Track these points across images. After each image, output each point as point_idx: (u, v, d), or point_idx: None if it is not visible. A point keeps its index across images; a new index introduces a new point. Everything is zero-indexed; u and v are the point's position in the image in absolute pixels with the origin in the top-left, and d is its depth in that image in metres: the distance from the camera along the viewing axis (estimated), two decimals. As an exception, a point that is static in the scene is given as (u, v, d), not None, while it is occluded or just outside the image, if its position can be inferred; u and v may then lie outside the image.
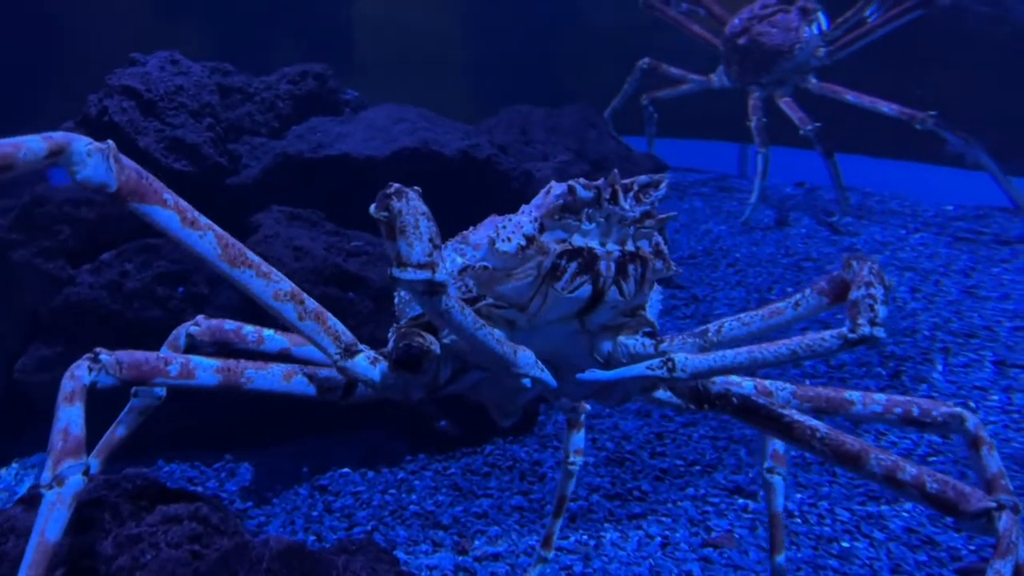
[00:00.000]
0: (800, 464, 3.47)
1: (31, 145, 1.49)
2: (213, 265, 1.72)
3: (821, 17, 6.63)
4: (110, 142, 1.58)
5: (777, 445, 2.38)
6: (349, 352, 1.90)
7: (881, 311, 1.66)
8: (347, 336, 1.90)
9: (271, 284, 1.77)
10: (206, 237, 1.69)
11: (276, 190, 4.29)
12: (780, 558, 2.45)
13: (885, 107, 6.18)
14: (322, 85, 5.03)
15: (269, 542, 2.18)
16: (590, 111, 7.38)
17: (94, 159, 1.55)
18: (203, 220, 1.69)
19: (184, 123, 4.27)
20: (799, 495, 3.28)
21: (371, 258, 3.96)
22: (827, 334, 1.69)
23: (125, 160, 1.59)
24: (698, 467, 3.57)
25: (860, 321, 1.66)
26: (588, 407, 2.88)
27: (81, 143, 1.54)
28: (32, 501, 2.27)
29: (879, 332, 1.64)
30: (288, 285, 1.79)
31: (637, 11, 7.37)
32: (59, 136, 1.53)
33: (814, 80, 6.64)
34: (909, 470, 1.86)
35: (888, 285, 1.70)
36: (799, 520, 3.14)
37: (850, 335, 1.66)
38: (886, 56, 6.92)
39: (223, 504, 2.54)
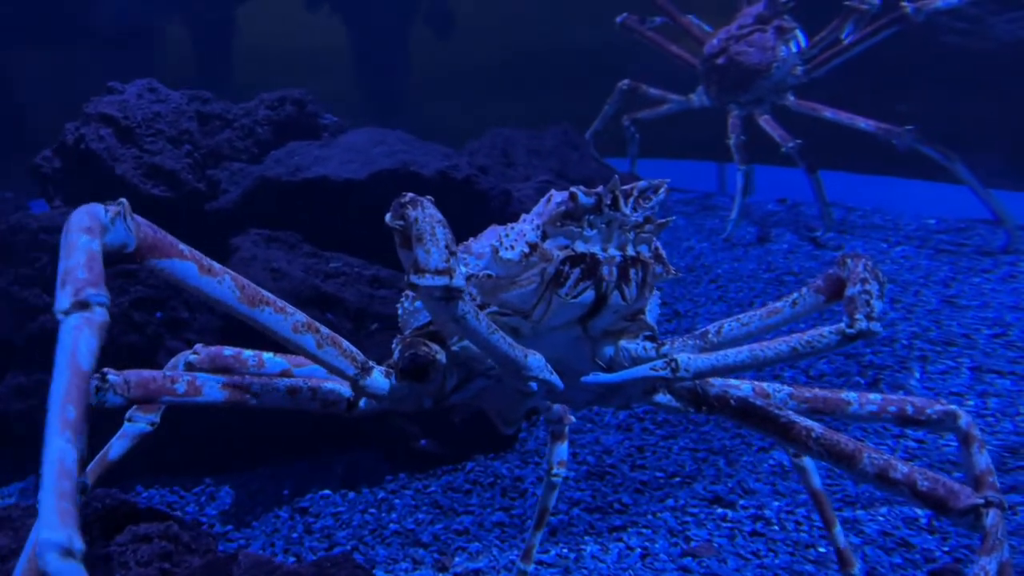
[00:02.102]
0: (778, 472, 3.48)
1: (86, 244, 1.42)
2: (233, 308, 1.71)
3: (799, 35, 6.69)
4: (123, 201, 1.54)
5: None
6: (366, 370, 1.93)
7: (877, 306, 1.71)
8: (359, 355, 1.93)
9: (289, 317, 1.79)
10: (224, 282, 1.69)
11: (255, 214, 4.30)
12: (837, 530, 2.49)
13: (863, 123, 6.22)
14: (301, 110, 5.07)
15: (238, 558, 2.18)
16: (572, 133, 7.44)
17: (117, 224, 1.52)
18: (217, 266, 1.69)
19: (162, 149, 4.30)
20: (776, 503, 3.28)
21: (349, 279, 3.97)
22: (825, 330, 1.73)
23: (139, 218, 1.58)
24: (678, 479, 3.56)
25: (857, 316, 1.70)
26: (573, 419, 2.89)
27: (101, 211, 1.50)
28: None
29: (875, 326, 1.69)
30: (302, 316, 1.80)
31: (617, 33, 7.44)
32: (84, 218, 1.47)
33: (792, 98, 6.70)
34: (900, 468, 1.88)
35: (883, 281, 1.74)
36: (776, 527, 3.14)
37: (848, 330, 1.70)
38: (868, 73, 7.00)
39: (194, 523, 2.54)
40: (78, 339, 1.33)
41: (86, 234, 1.44)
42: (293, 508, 3.65)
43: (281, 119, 5.01)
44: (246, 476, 3.90)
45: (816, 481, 2.51)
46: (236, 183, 4.52)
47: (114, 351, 3.75)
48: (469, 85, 9.15)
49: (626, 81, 7.38)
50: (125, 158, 4.21)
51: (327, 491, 3.74)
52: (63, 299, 1.36)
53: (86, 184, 4.32)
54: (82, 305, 1.35)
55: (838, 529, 2.50)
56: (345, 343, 1.90)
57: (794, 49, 6.63)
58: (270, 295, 1.78)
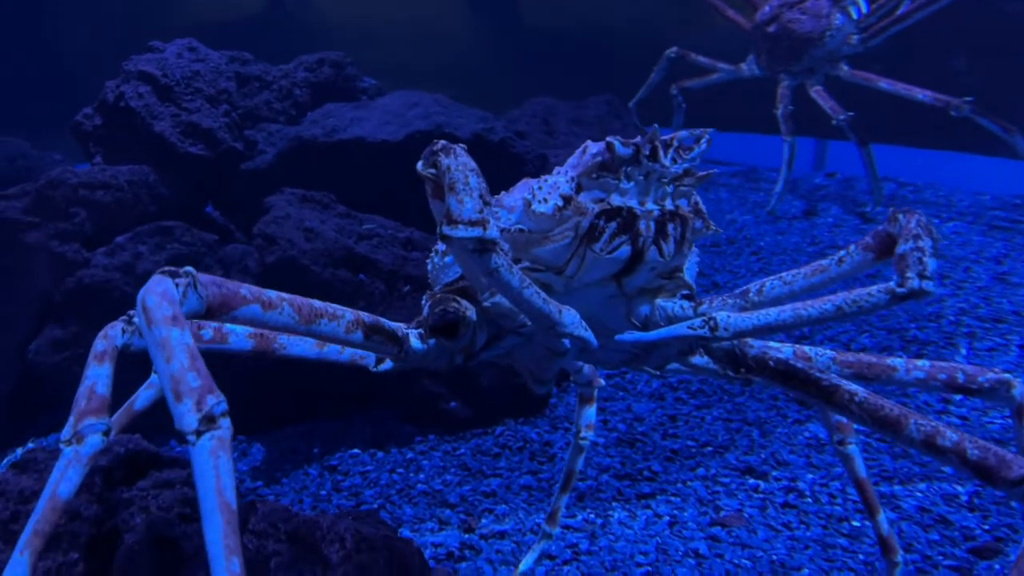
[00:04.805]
0: (813, 445, 3.39)
1: (180, 339, 1.37)
2: (294, 330, 1.70)
3: (860, 1, 6.45)
4: (190, 269, 1.50)
5: (837, 416, 2.32)
6: (405, 340, 1.89)
7: (930, 264, 1.60)
8: (399, 329, 1.90)
9: (341, 321, 1.75)
10: (284, 311, 1.66)
11: (290, 174, 4.30)
12: (880, 517, 2.39)
13: (920, 94, 5.97)
14: (339, 72, 5.05)
15: (256, 505, 2.17)
16: (616, 103, 7.35)
17: (189, 295, 1.48)
18: (275, 296, 1.65)
19: (200, 108, 4.31)
20: (810, 475, 3.19)
21: (383, 241, 3.95)
22: (874, 288, 1.63)
23: (202, 277, 1.53)
24: (710, 448, 3.50)
25: (909, 275, 1.59)
26: (603, 382, 2.84)
27: (173, 288, 1.44)
28: (23, 466, 2.28)
29: (928, 285, 1.58)
30: (351, 314, 1.77)
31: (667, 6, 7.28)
32: (164, 305, 1.40)
33: (846, 68, 6.47)
34: (950, 436, 1.74)
35: (937, 237, 1.64)
36: (810, 499, 3.05)
37: (898, 289, 1.59)
38: (932, 45, 6.77)
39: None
40: (220, 469, 1.28)
41: (175, 326, 1.38)
42: (322, 466, 3.66)
43: (319, 81, 4.99)
44: (278, 434, 3.92)
45: (861, 469, 2.39)
46: (273, 144, 4.52)
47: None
48: (513, 55, 9.06)
49: (674, 49, 7.18)
50: (163, 116, 4.22)
51: (356, 450, 3.74)
52: (188, 417, 1.30)
53: (125, 142, 4.35)
54: (209, 421, 1.30)
55: (882, 516, 2.38)
56: (386, 324, 1.86)
57: (854, 16, 6.37)
58: (321, 304, 1.74)
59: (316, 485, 3.53)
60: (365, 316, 1.83)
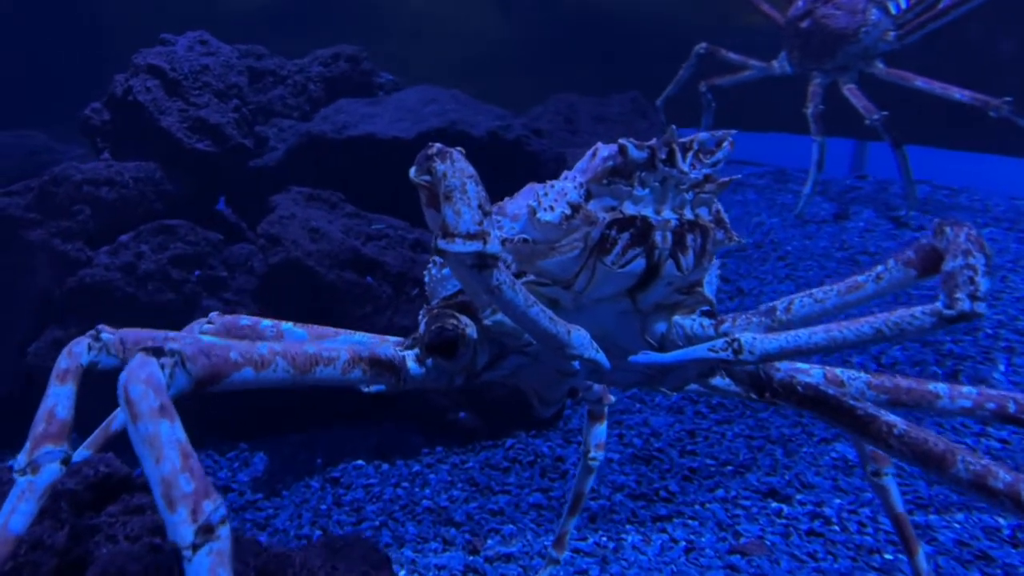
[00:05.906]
0: (840, 467, 3.20)
1: (170, 435, 1.22)
2: (292, 384, 1.57)
3: None
4: (174, 347, 1.37)
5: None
6: (403, 369, 1.75)
7: (983, 283, 1.42)
8: (396, 356, 1.75)
9: (337, 363, 1.62)
10: (278, 366, 1.53)
11: (300, 172, 4.17)
12: (920, 556, 2.21)
13: (957, 93, 5.72)
14: (355, 67, 4.91)
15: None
16: (641, 100, 7.16)
17: (176, 376, 1.35)
18: (265, 351, 1.52)
19: (208, 103, 4.18)
20: (837, 500, 3.00)
21: (391, 242, 3.81)
22: (918, 310, 1.46)
23: (189, 350, 1.40)
24: (730, 467, 3.31)
25: (958, 295, 1.42)
26: (613, 399, 2.68)
27: (158, 371, 1.30)
28: (-9, 485, 2.15)
29: (980, 307, 1.41)
30: (346, 353, 1.64)
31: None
32: (150, 395, 1.26)
33: (881, 65, 6.22)
34: (1002, 476, 1.53)
35: (989, 253, 1.46)
36: (837, 527, 2.86)
37: (946, 311, 1.42)
38: (970, 42, 6.53)
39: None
40: None
41: (164, 418, 1.23)
42: (325, 478, 3.52)
43: (334, 76, 4.86)
44: (281, 443, 3.79)
45: (898, 503, 2.20)
46: (284, 140, 4.40)
47: (151, 308, 3.67)
48: (537, 51, 8.89)
49: (704, 44, 6.95)
50: (171, 111, 4.10)
51: (360, 461, 3.59)
52: (183, 530, 1.15)
53: (133, 137, 4.23)
54: (207, 532, 1.16)
55: (921, 555, 2.19)
56: (382, 355, 1.71)
57: (892, 11, 6.12)
58: (315, 349, 1.60)
59: (317, 499, 3.39)
60: (361, 350, 1.68)
